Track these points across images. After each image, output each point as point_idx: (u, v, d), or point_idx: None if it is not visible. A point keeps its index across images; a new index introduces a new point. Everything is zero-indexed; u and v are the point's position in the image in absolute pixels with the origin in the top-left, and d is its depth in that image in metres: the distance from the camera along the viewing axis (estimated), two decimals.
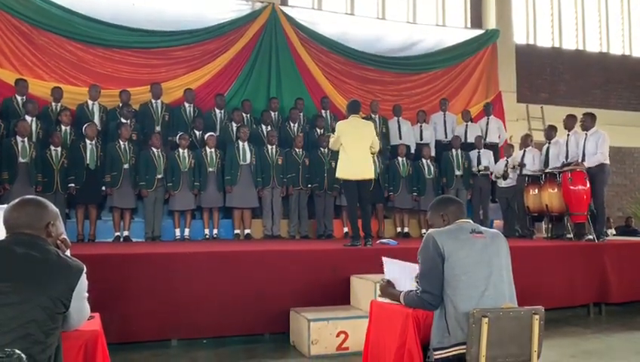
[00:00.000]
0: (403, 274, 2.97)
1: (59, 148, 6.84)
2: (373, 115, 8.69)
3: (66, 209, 6.85)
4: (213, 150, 7.47)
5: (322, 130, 8.38)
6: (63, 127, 7.15)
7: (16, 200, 2.12)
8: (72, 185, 6.83)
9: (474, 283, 2.52)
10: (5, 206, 2.14)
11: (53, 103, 7.54)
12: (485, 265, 2.56)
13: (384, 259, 3.23)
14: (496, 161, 8.68)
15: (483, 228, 2.73)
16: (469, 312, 2.39)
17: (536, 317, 2.42)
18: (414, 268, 2.78)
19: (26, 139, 6.61)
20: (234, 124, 8.02)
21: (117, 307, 4.24)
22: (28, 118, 6.90)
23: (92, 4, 8.61)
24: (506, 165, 8.23)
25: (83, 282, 2.03)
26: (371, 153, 6.03)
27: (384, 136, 8.66)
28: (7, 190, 6.42)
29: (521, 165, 7.95)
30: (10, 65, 8.07)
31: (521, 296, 2.67)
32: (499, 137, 9.37)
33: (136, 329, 4.41)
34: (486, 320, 2.34)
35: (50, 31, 8.29)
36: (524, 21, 12.25)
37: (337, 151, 6.04)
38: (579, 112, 7.36)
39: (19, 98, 7.29)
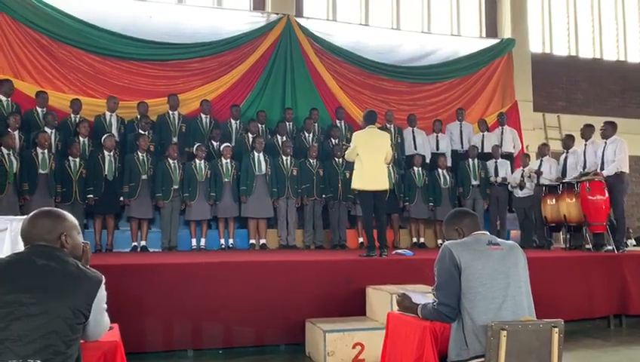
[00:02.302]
0: (419, 293, 2.98)
1: (77, 160, 6.94)
2: (388, 125, 8.69)
3: (85, 219, 6.93)
4: (228, 161, 7.52)
5: (337, 140, 8.40)
6: (82, 139, 7.26)
7: (32, 213, 2.15)
8: (91, 195, 6.91)
9: (491, 295, 2.50)
10: (24, 217, 2.16)
11: (72, 115, 7.66)
12: (502, 277, 2.55)
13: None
14: (512, 171, 8.62)
15: (500, 240, 2.72)
16: (486, 325, 2.38)
17: (556, 330, 2.39)
18: (427, 288, 2.78)
19: (45, 151, 6.72)
20: (249, 135, 8.08)
21: (133, 317, 4.27)
22: (48, 130, 7.02)
23: (110, 17, 8.77)
24: (523, 175, 8.16)
25: (102, 293, 2.04)
26: (385, 164, 6.04)
27: (399, 146, 8.65)
28: (27, 200, 6.51)
29: (538, 175, 7.88)
30: (31, 77, 8.23)
31: (539, 308, 2.64)
32: (513, 147, 9.30)
33: (152, 339, 4.43)
34: (504, 333, 2.32)
35: (70, 44, 8.45)
36: (540, 30, 12.19)
37: (353, 162, 6.05)
38: (596, 121, 7.31)
39: (39, 110, 7.43)
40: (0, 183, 6.25)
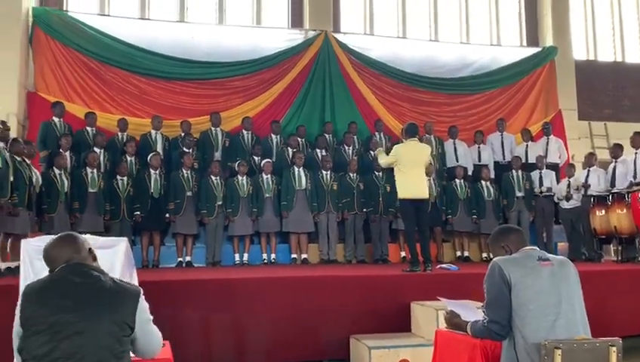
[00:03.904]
0: (466, 308, 2.92)
1: (125, 178, 7.16)
2: (428, 136, 8.63)
3: (132, 236, 7.11)
4: (269, 176, 7.61)
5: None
6: (129, 158, 7.48)
7: (53, 239, 2.20)
8: (138, 212, 7.10)
9: (543, 312, 2.45)
10: (47, 242, 2.20)
11: (120, 133, 7.92)
12: (554, 294, 2.49)
13: (443, 300, 3.18)
14: (557, 182, 8.39)
15: (550, 255, 2.67)
16: (539, 343, 2.32)
17: (614, 349, 2.32)
18: (475, 304, 2.73)
19: (95, 170, 6.96)
20: (290, 150, 8.16)
21: (178, 332, 4.34)
22: (97, 150, 7.27)
23: (154, 39, 9.09)
24: (569, 185, 7.94)
25: (143, 303, 2.08)
26: (426, 174, 6.02)
27: (440, 157, 8.57)
28: (78, 218, 6.74)
29: (586, 185, 7.65)
30: (80, 99, 8.59)
31: (591, 324, 2.56)
32: (559, 157, 9.05)
33: (196, 354, 4.48)
34: (559, 352, 2.26)
35: (116, 66, 8.79)
36: (584, 36, 11.90)
37: (392, 175, 6.04)
38: None
39: (89, 130, 7.72)
40: (52, 202, 6.48)
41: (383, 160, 6.15)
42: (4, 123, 5.84)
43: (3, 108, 7.26)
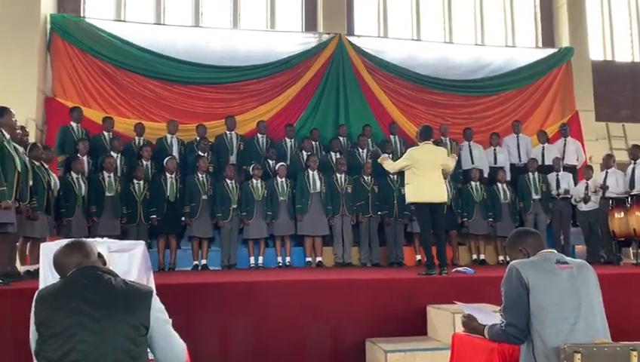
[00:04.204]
0: (483, 311, 2.90)
1: (142, 182, 7.23)
2: (443, 138, 8.58)
3: (149, 239, 7.17)
4: (284, 179, 7.63)
5: (391, 156, 8.35)
6: (145, 162, 7.55)
7: (61, 247, 2.21)
8: (154, 216, 7.16)
9: (562, 315, 2.42)
10: (56, 250, 2.22)
11: (136, 138, 8.01)
12: (573, 297, 2.47)
13: (460, 304, 3.16)
14: (575, 184, 8.29)
15: (569, 259, 2.65)
16: (558, 347, 2.29)
17: (634, 353, 2.27)
18: (491, 307, 2.71)
19: (112, 174, 7.03)
20: (304, 153, 8.17)
21: (193, 335, 4.36)
22: (114, 154, 7.35)
23: (169, 44, 9.19)
24: (587, 188, 7.84)
25: (157, 302, 2.08)
26: (443, 176, 5.97)
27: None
28: (95, 222, 6.81)
29: (604, 187, 7.55)
30: (97, 104, 8.70)
31: (611, 328, 2.53)
32: (577, 159, 8.95)
33: (210, 357, 4.49)
34: (578, 356, 2.23)
35: (133, 71, 8.89)
36: (600, 37, 11.76)
37: (403, 177, 6.02)
38: None
39: (106, 135, 7.81)
40: (70, 206, 6.57)
41: (390, 166, 6.08)
42: (23, 128, 5.93)
43: (22, 113, 7.37)
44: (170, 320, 2.14)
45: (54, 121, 8.23)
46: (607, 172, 7.70)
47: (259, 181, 7.55)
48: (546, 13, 11.39)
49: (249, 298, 4.74)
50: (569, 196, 8.08)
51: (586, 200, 7.79)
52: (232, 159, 8.13)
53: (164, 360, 2.11)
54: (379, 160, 6.25)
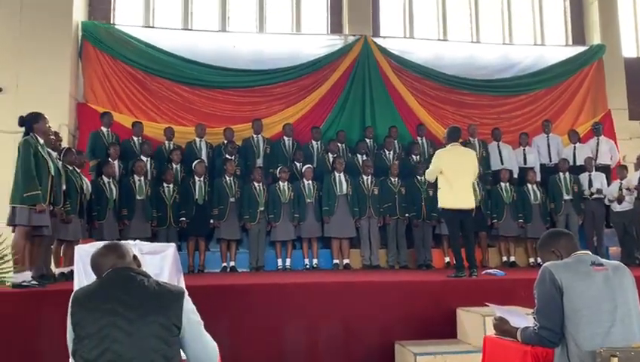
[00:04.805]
0: (515, 314, 2.85)
1: (171, 185, 7.34)
2: (471, 140, 8.48)
3: (178, 241, 7.26)
4: (310, 182, 7.65)
5: (418, 157, 8.32)
6: (174, 165, 7.67)
7: (98, 248, 2.28)
8: (183, 219, 7.26)
9: (597, 319, 2.37)
10: (94, 251, 2.29)
11: (166, 142, 8.13)
12: (609, 300, 2.41)
13: (491, 306, 3.12)
14: (608, 184, 8.10)
15: (604, 260, 2.59)
16: (594, 351, 2.25)
17: None
18: (523, 310, 2.66)
19: (142, 178, 7.15)
20: (330, 155, 8.17)
21: (220, 336, 4.38)
22: (144, 158, 7.48)
23: (197, 49, 9.30)
24: (621, 187, 7.65)
25: (188, 302, 2.11)
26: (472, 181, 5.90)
27: (484, 160, 8.40)
28: (126, 225, 6.94)
29: (639, 187, 7.35)
30: (127, 109, 8.86)
31: None
32: (611, 158, 8.74)
33: (237, 358, 4.50)
34: (615, 360, 2.18)
35: (161, 76, 9.03)
36: (633, 33, 11.46)
37: (436, 180, 5.96)
38: None
39: (135, 139, 7.95)
40: (102, 209, 6.72)
41: (427, 173, 6.05)
42: (56, 133, 6.07)
43: (55, 119, 7.56)
44: (202, 322, 2.17)
45: (86, 126, 8.42)
46: None
47: (285, 183, 7.58)
48: (577, 10, 11.16)
49: (277, 299, 4.76)
50: (602, 196, 7.89)
51: (620, 200, 7.60)
52: (259, 162, 8.19)
53: (197, 361, 2.13)
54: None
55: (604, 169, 8.43)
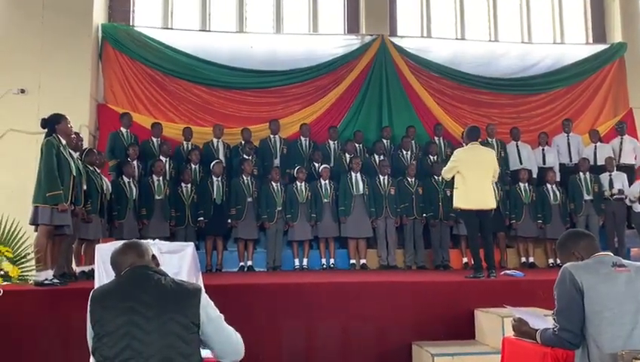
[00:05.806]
0: (534, 315, 2.83)
1: (189, 185, 7.40)
2: (490, 139, 8.41)
3: (196, 241, 7.32)
4: (327, 181, 7.66)
5: (435, 157, 8.27)
6: (193, 166, 7.73)
7: (118, 246, 2.32)
8: (202, 218, 7.32)
9: (619, 320, 2.34)
10: (114, 249, 2.32)
11: (185, 142, 8.21)
12: (631, 301, 2.38)
13: (510, 308, 3.09)
14: (630, 184, 7.96)
15: (626, 261, 2.54)
16: (616, 353, 2.22)
17: None
18: (542, 311, 2.63)
19: (161, 178, 7.23)
20: (347, 155, 8.17)
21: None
22: (162, 159, 7.55)
23: (215, 50, 9.36)
24: None
25: (205, 299, 2.12)
26: (492, 181, 5.84)
27: (503, 160, 8.32)
28: (145, 225, 7.02)
29: None
30: (146, 110, 8.95)
31: None
32: (635, 158, 8.59)
33: (254, 358, 4.51)
34: None
35: (180, 77, 9.11)
36: None
37: (452, 180, 5.92)
38: None
39: (154, 140, 8.03)
40: (121, 209, 6.81)
41: (444, 171, 6.01)
42: (77, 134, 6.16)
43: (76, 120, 7.67)
44: (222, 315, 2.18)
45: (105, 127, 8.53)
46: None
47: (303, 183, 7.60)
48: (597, 8, 10.99)
49: (296, 299, 4.78)
50: (623, 197, 7.77)
51: None
52: (276, 162, 8.22)
53: (223, 354, 2.16)
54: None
55: (628, 168, 8.29)
